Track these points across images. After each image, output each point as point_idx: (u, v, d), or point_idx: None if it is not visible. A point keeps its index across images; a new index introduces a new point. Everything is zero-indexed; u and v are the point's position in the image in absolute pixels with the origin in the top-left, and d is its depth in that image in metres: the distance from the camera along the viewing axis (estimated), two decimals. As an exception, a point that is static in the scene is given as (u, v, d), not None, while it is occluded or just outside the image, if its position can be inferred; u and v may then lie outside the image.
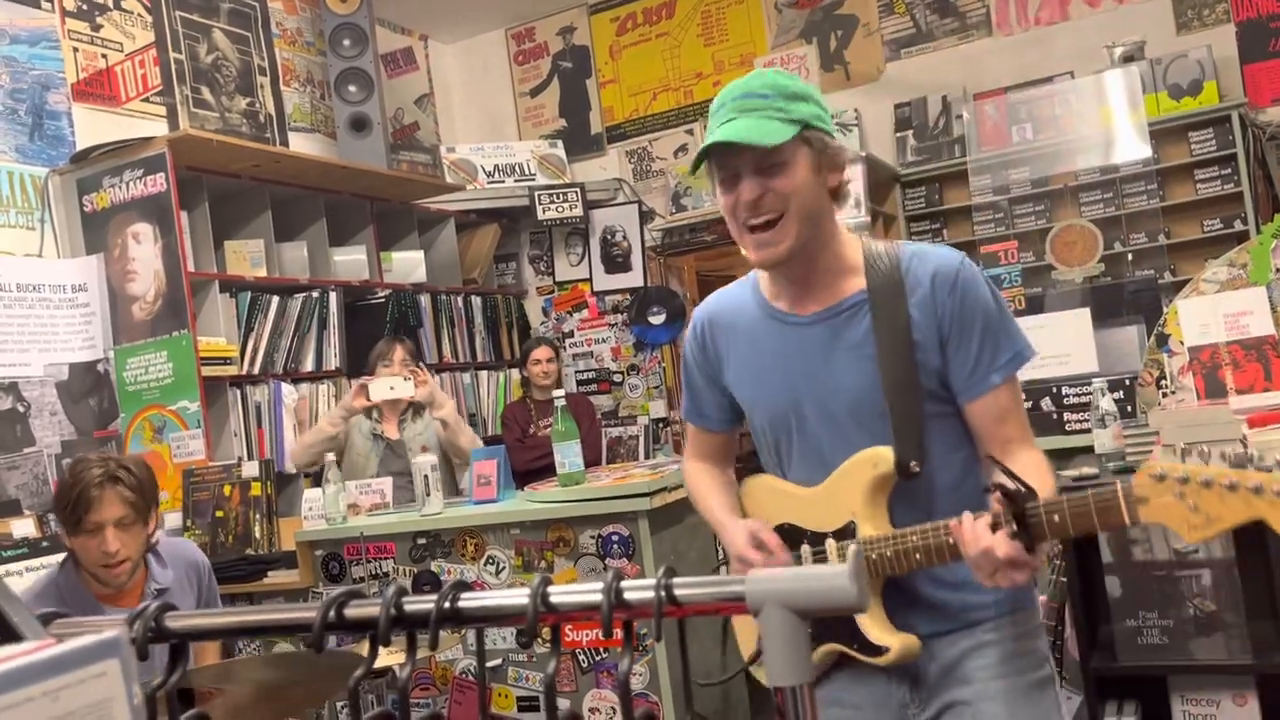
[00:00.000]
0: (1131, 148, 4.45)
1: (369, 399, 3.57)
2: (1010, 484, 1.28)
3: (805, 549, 1.56)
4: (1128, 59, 4.61)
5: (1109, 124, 4.51)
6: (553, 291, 5.91)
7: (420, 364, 3.79)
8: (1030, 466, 1.42)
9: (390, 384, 3.52)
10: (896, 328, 1.48)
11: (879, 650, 1.45)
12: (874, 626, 1.46)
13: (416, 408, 3.77)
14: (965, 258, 1.53)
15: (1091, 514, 1.24)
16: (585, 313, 5.81)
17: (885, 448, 1.46)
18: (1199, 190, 4.63)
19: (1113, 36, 4.73)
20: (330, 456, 3.35)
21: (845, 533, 1.50)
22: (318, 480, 3.59)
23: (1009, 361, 1.49)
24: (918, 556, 1.40)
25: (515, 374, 5.67)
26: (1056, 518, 1.26)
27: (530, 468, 4.26)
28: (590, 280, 5.80)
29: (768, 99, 1.45)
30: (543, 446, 4.20)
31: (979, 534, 1.29)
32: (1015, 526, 1.26)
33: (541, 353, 4.69)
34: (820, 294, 1.54)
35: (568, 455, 3.01)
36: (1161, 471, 1.18)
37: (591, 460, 4.15)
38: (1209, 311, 2.51)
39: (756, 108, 1.44)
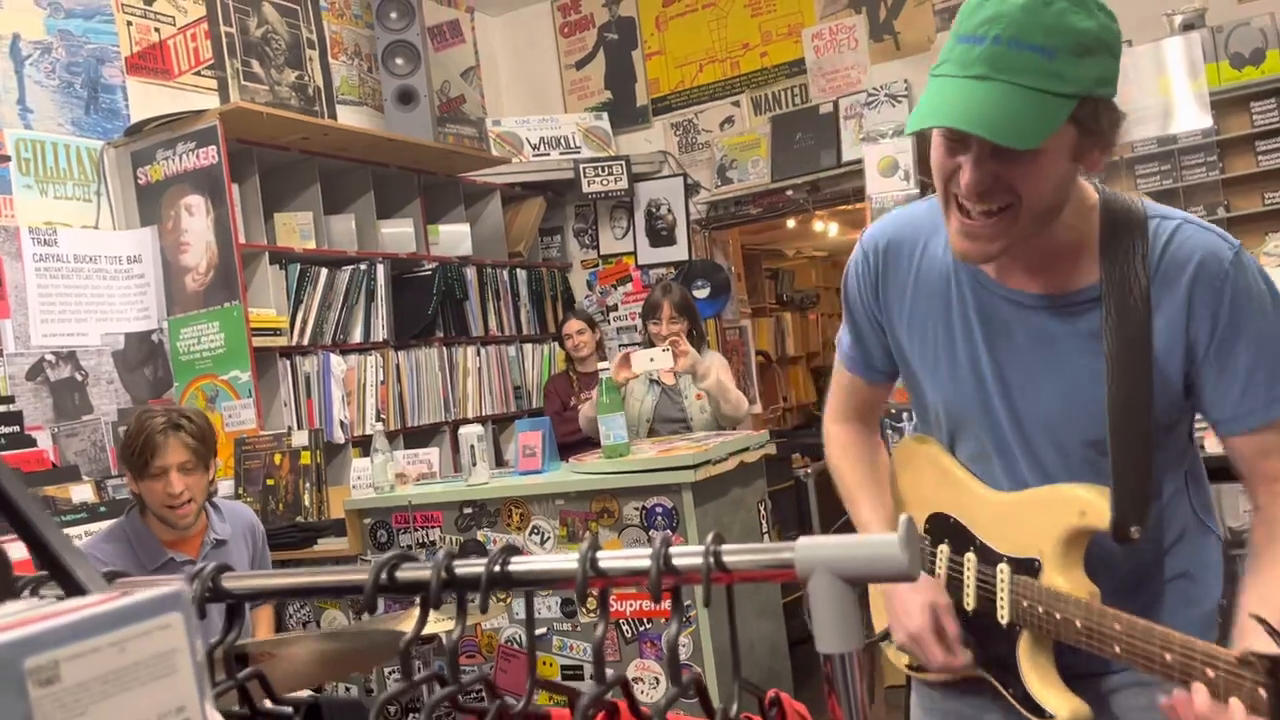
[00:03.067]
0: (1191, 118, 4.33)
1: (632, 370, 3.66)
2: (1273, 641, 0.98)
3: (970, 558, 1.32)
4: (1188, 27, 4.49)
5: (1168, 94, 4.40)
6: (597, 265, 5.91)
7: (683, 317, 3.78)
8: None
9: (650, 356, 3.61)
10: (1135, 334, 1.14)
11: (1042, 713, 1.24)
12: (1040, 683, 1.25)
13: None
14: (1241, 247, 1.16)
15: None
16: (629, 286, 5.81)
17: (1100, 495, 1.18)
18: (1260, 162, 4.51)
19: (1173, 4, 4.60)
20: (379, 426, 3.40)
21: (1025, 568, 1.26)
22: (366, 450, 3.64)
23: None
24: (1117, 649, 1.13)
25: (557, 347, 5.70)
26: None
27: (569, 440, 4.26)
28: (635, 253, 5.79)
29: (1045, 54, 1.02)
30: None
31: (1220, 710, 0.99)
32: (1271, 699, 0.97)
33: (571, 325, 4.67)
34: (1041, 271, 1.20)
35: (612, 427, 3.02)
36: None
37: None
38: (1269, 286, 2.45)
39: (1022, 68, 1.02)
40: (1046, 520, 1.23)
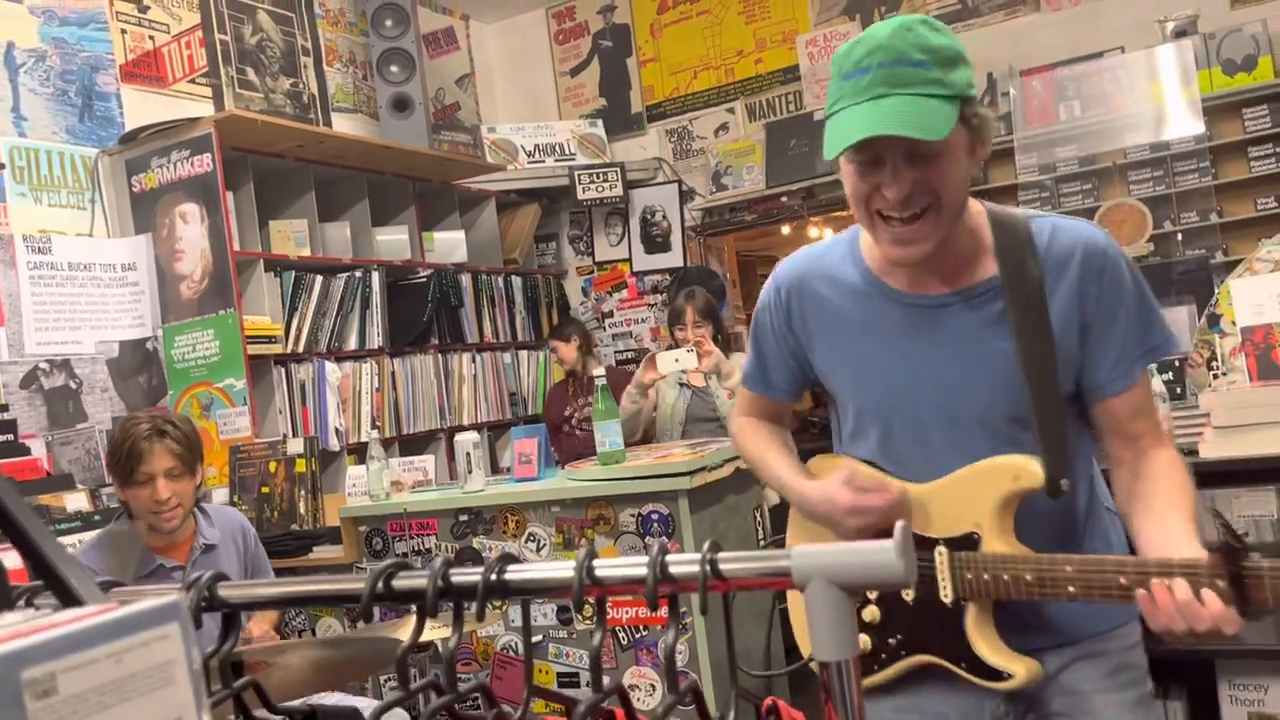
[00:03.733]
0: (1183, 124, 4.35)
1: (658, 371, 3.75)
2: (1226, 539, 1.10)
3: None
4: (1180, 34, 4.51)
5: (1160, 100, 4.42)
6: (592, 271, 5.92)
7: (708, 321, 3.90)
8: (1168, 468, 1.30)
9: (676, 357, 3.71)
10: (1036, 319, 1.28)
11: (999, 675, 1.31)
12: (990, 650, 1.31)
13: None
14: (1109, 234, 1.34)
15: None
16: (625, 293, 5.82)
17: (1032, 459, 1.28)
18: (1252, 168, 4.53)
19: (1165, 11, 4.63)
20: (374, 434, 3.40)
21: (964, 543, 1.32)
22: (361, 458, 3.63)
23: (1152, 350, 1.32)
24: (1071, 589, 1.21)
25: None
26: None
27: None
28: (630, 260, 5.80)
29: (924, 68, 1.18)
30: (585, 442, 4.28)
31: (1194, 601, 1.09)
32: (1230, 588, 1.08)
33: (553, 343, 4.85)
34: (945, 274, 1.33)
35: (608, 434, 3.02)
36: None
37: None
38: (1263, 291, 2.46)
39: (910, 80, 1.17)
40: (980, 493, 1.31)
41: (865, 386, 1.41)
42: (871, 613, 1.42)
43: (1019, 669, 1.30)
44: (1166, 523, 1.24)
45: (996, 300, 1.30)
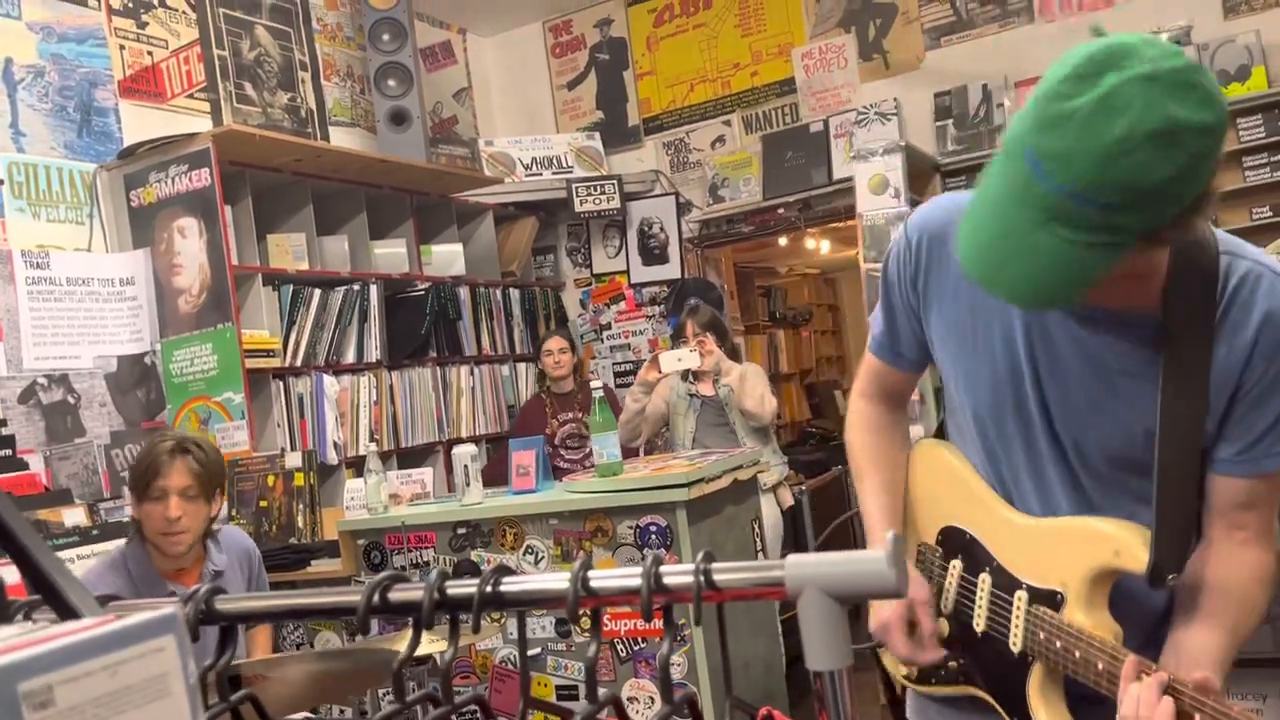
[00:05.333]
0: (1177, 135, 4.36)
1: (660, 370, 3.89)
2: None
3: (985, 579, 1.28)
4: (1174, 44, 4.53)
5: (1154, 111, 4.42)
6: (590, 283, 5.93)
7: (709, 334, 4.02)
8: (1251, 573, 1.14)
9: (678, 356, 3.86)
10: (1194, 368, 1.09)
11: None
12: (1044, 708, 1.21)
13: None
14: None
15: None
16: (622, 305, 5.82)
17: (1136, 535, 1.13)
18: (1247, 178, 4.55)
19: (1158, 21, 4.65)
20: (372, 447, 3.40)
21: (1046, 599, 1.21)
22: (359, 471, 3.63)
23: None
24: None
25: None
26: None
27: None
28: (627, 272, 5.81)
29: (1109, 211, 0.93)
30: (568, 469, 4.32)
31: (1146, 701, 1.03)
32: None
33: (554, 343, 4.71)
34: (1102, 284, 1.05)
35: (605, 445, 3.02)
36: None
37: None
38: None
39: (1076, 221, 0.94)
40: (1076, 553, 1.18)
41: (976, 380, 1.25)
42: (944, 626, 1.36)
43: None
44: (1196, 642, 1.14)
45: (1150, 334, 1.12)
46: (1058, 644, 1.17)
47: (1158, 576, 1.11)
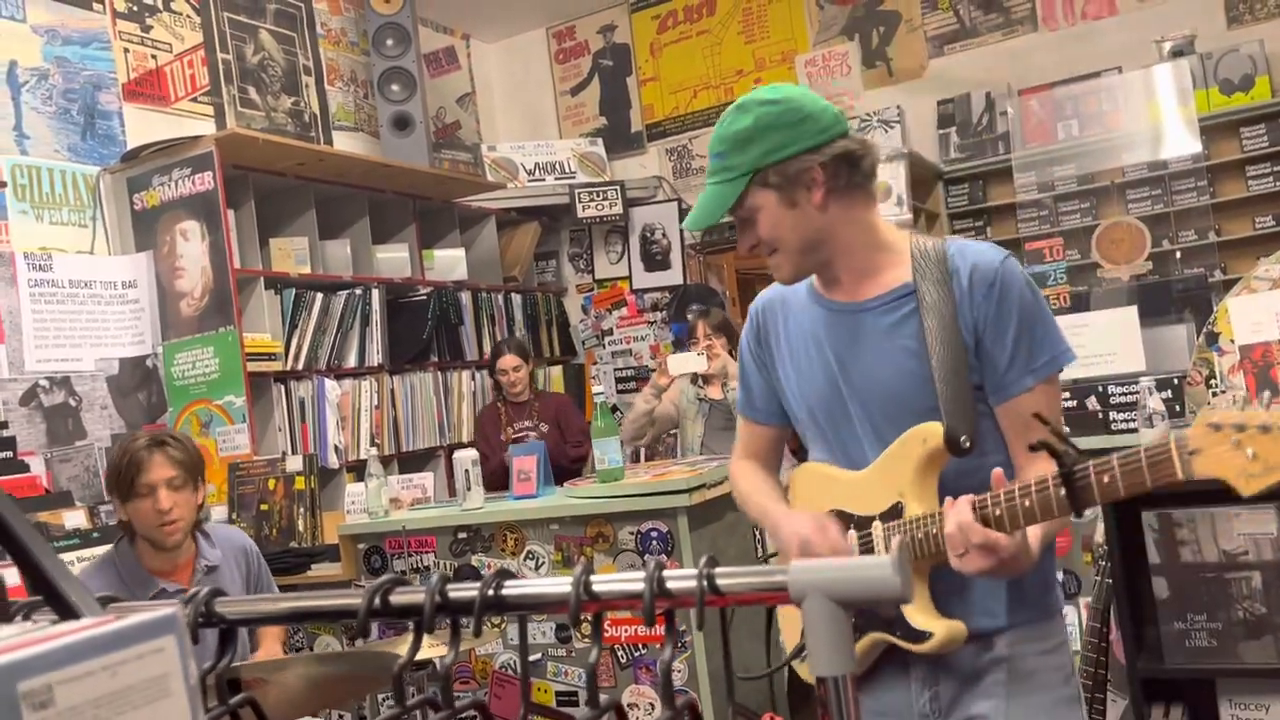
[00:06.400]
0: (1181, 143, 4.37)
1: (670, 374, 3.91)
2: (1059, 445, 1.22)
3: (851, 534, 1.49)
4: (1177, 53, 4.53)
5: (1158, 119, 4.43)
6: (592, 289, 5.93)
7: (720, 335, 4.05)
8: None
9: (685, 359, 3.89)
10: (944, 318, 1.43)
11: (921, 636, 1.39)
12: (917, 612, 1.40)
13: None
14: (1009, 255, 1.49)
15: (1144, 470, 1.17)
16: (624, 310, 5.82)
17: (934, 423, 1.41)
18: (1250, 187, 4.55)
19: (1162, 30, 4.65)
20: (373, 451, 3.40)
21: (892, 513, 1.44)
22: (360, 475, 3.63)
23: (1045, 364, 1.43)
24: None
25: (553, 371, 5.69)
26: (1106, 478, 1.19)
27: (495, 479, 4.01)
28: (629, 278, 5.81)
29: (721, 158, 1.48)
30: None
31: (959, 511, 1.29)
32: (1063, 489, 1.22)
33: (507, 361, 4.41)
34: (865, 285, 1.51)
35: (606, 451, 3.02)
36: (1217, 421, 1.11)
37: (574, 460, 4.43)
38: (1261, 309, 2.47)
39: (714, 171, 1.49)
40: (900, 465, 1.43)
41: (805, 388, 1.57)
42: None
43: (938, 627, 1.38)
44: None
45: (910, 305, 1.47)
46: (918, 534, 1.39)
47: (954, 442, 1.38)
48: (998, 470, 1.32)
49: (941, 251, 1.49)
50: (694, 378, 3.99)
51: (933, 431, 1.40)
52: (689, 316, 4.20)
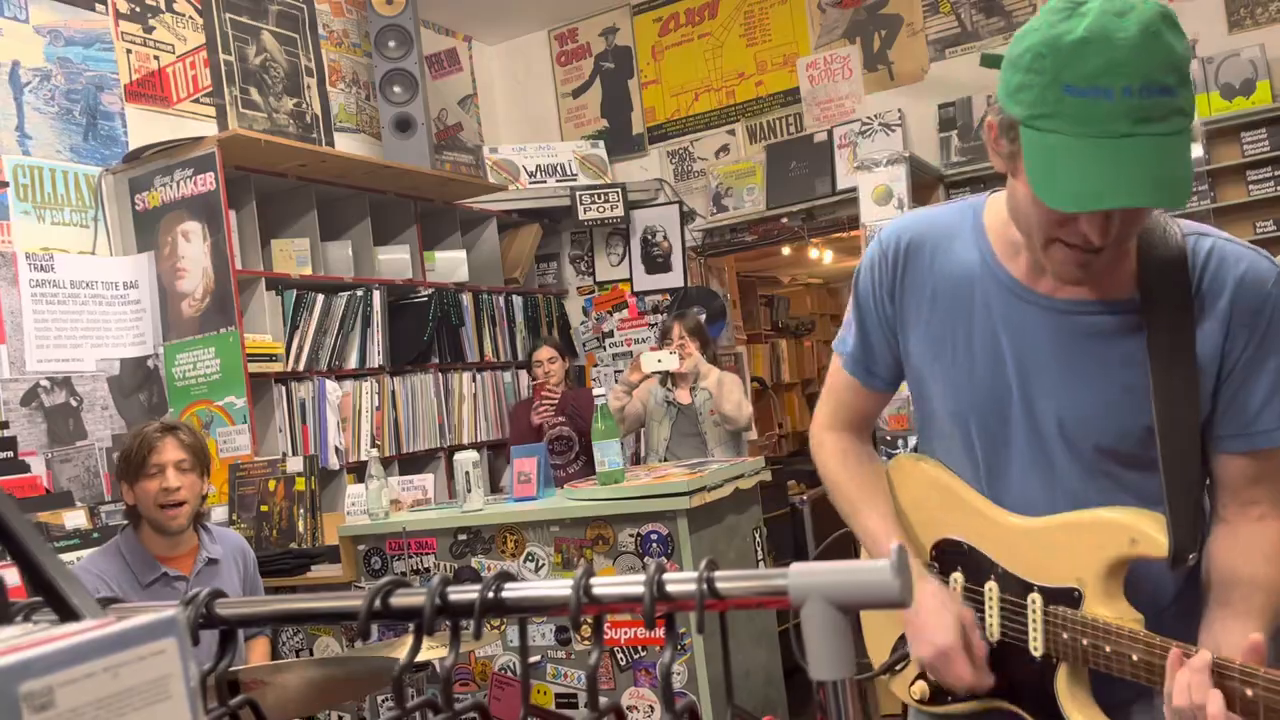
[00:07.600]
0: (1182, 148, 4.36)
1: (642, 370, 3.99)
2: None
3: (992, 587, 1.24)
4: None
5: (1159, 124, 4.42)
6: (593, 291, 5.93)
7: (693, 339, 4.15)
8: (1271, 553, 1.12)
9: (658, 358, 3.95)
10: (1178, 346, 1.09)
11: None
12: (1075, 708, 1.19)
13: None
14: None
15: None
16: (625, 313, 5.82)
17: (1150, 521, 1.11)
18: (1251, 191, 4.55)
19: (1163, 35, 4.65)
20: (374, 452, 3.40)
21: (1064, 598, 1.18)
22: (360, 477, 3.63)
23: None
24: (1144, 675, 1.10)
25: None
26: None
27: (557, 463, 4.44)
28: (631, 280, 5.81)
29: (1171, 95, 0.97)
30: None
31: (1213, 699, 0.97)
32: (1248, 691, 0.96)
33: (542, 353, 4.71)
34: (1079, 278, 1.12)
35: (607, 453, 3.02)
36: None
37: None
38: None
39: (1158, 114, 0.97)
40: (1088, 547, 1.15)
41: (961, 384, 1.23)
42: None
43: None
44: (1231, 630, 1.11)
45: (1131, 321, 1.13)
46: (1084, 641, 1.14)
47: (1178, 559, 1.09)
48: (1256, 636, 1.01)
49: (1181, 247, 1.13)
50: (664, 378, 4.02)
51: (1149, 537, 1.10)
52: (668, 319, 4.27)
